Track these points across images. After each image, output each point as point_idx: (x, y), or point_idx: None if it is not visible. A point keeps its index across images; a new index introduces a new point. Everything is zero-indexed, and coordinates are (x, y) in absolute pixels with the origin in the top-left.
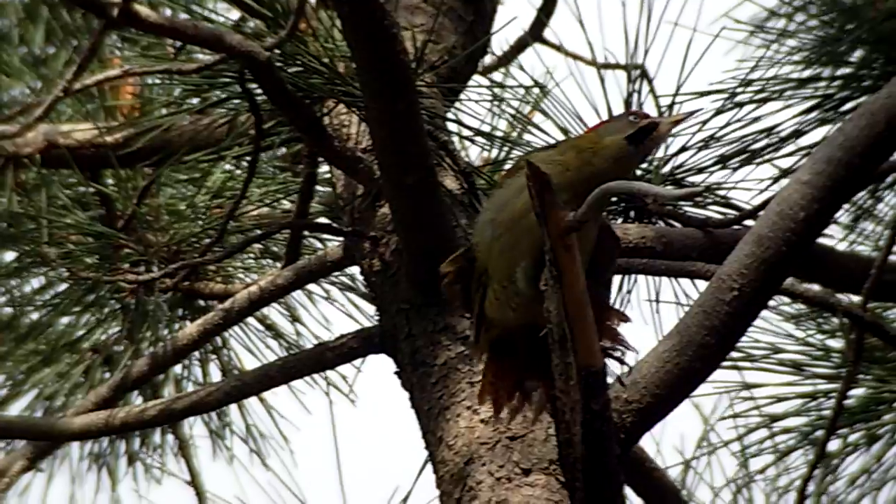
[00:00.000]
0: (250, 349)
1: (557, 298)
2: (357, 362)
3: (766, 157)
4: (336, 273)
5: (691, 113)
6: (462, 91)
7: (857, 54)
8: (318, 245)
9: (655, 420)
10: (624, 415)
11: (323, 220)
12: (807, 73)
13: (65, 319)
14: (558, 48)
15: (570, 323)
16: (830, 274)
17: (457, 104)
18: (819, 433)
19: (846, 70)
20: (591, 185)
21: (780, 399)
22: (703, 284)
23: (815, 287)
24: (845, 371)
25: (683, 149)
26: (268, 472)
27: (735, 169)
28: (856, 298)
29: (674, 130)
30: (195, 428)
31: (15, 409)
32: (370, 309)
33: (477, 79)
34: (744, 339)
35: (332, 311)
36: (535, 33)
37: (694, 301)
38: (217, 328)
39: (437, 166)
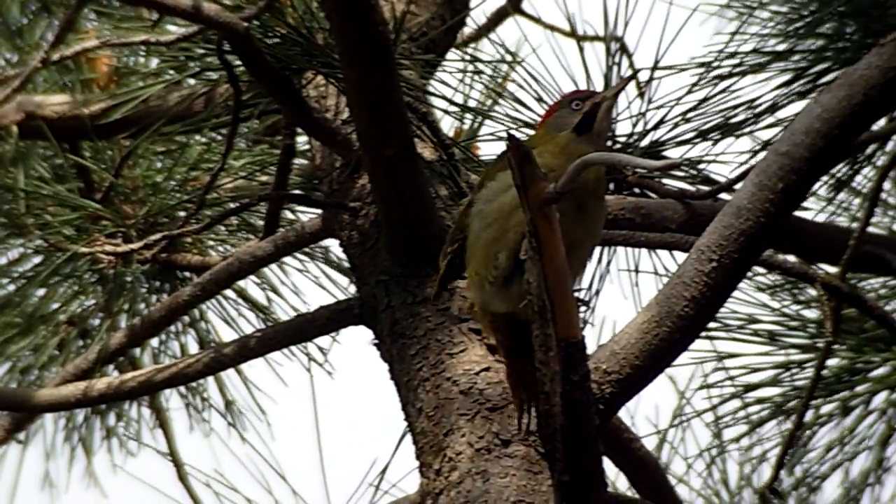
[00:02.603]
0: (228, 321)
1: (537, 270)
2: (334, 334)
3: (745, 129)
4: (314, 245)
5: (630, 79)
6: (441, 63)
7: (835, 26)
8: (296, 218)
9: (635, 391)
10: (603, 385)
11: (301, 191)
12: (784, 46)
13: (41, 291)
14: (537, 20)
15: (550, 294)
16: (809, 245)
17: (435, 75)
18: (793, 403)
19: (823, 42)
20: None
21: (754, 369)
22: (681, 256)
23: (793, 258)
24: (823, 342)
25: (662, 122)
26: (245, 444)
27: (715, 142)
28: (834, 270)
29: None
30: (172, 401)
31: None
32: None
33: (455, 50)
34: (721, 309)
35: (311, 284)
36: (514, 4)
37: (673, 272)
38: (195, 299)
39: (416, 138)
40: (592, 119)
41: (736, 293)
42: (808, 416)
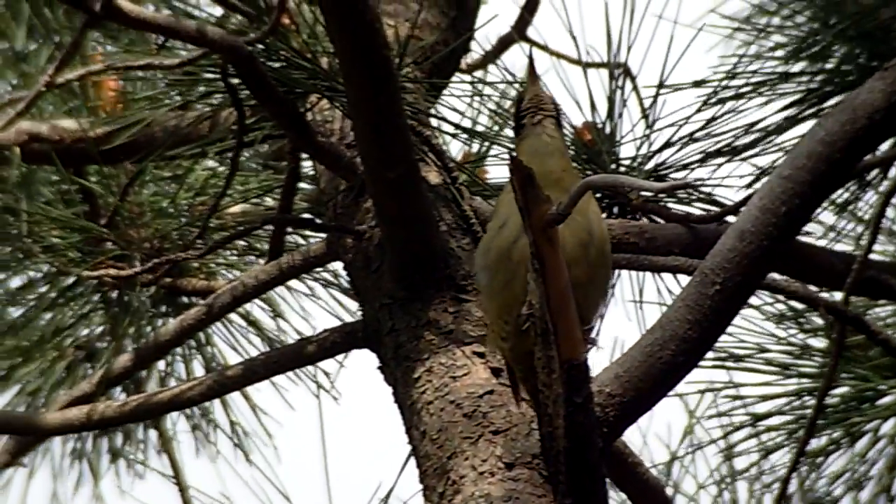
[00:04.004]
0: (234, 346)
1: (540, 291)
2: (340, 358)
3: (750, 152)
4: (319, 269)
5: (531, 63)
6: (445, 86)
7: (840, 50)
8: (302, 243)
9: (638, 414)
10: (607, 408)
11: (306, 215)
12: (789, 69)
13: (47, 315)
14: (542, 47)
15: (553, 316)
16: (813, 270)
17: (441, 100)
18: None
19: (829, 65)
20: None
21: (764, 398)
22: (685, 279)
23: (797, 283)
24: (827, 368)
25: (667, 145)
26: (252, 468)
27: (719, 165)
28: (838, 295)
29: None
30: (178, 425)
31: None
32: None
33: (460, 76)
34: (729, 338)
35: (317, 308)
36: (519, 31)
37: (677, 295)
38: (200, 323)
39: (420, 161)
40: (521, 113)
41: (744, 322)
42: (819, 442)
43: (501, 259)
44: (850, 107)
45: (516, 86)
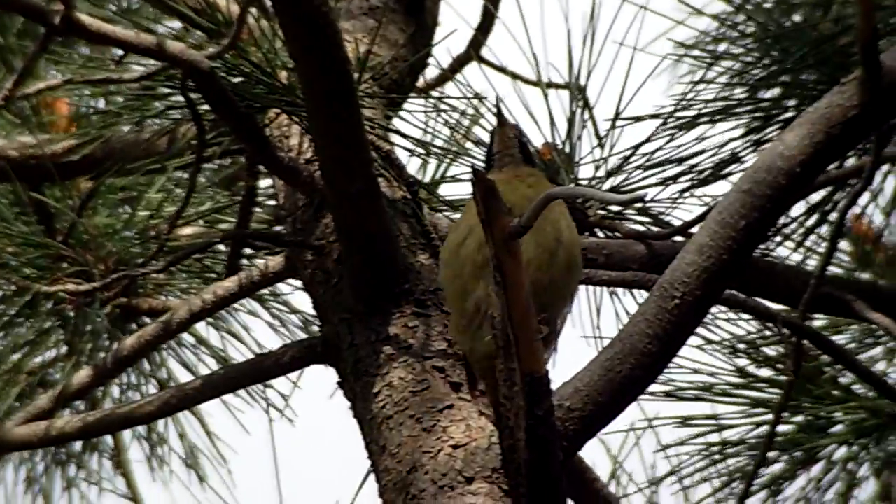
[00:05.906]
0: (190, 367)
1: (502, 303)
2: (294, 378)
3: (708, 175)
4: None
5: (498, 108)
6: (404, 102)
7: (800, 75)
8: (259, 265)
9: (598, 428)
10: (567, 422)
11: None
12: (750, 94)
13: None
14: (499, 68)
15: (514, 328)
16: (771, 287)
17: (400, 117)
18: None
19: (784, 90)
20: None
21: (721, 427)
22: (643, 296)
23: (756, 299)
24: (784, 388)
25: (625, 167)
26: (206, 491)
27: (680, 193)
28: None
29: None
30: (133, 451)
31: None
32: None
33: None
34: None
35: (275, 324)
36: (475, 49)
37: (636, 310)
38: (157, 339)
39: (380, 176)
40: (489, 153)
41: (702, 355)
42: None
43: (451, 254)
44: (809, 121)
45: (474, 102)
